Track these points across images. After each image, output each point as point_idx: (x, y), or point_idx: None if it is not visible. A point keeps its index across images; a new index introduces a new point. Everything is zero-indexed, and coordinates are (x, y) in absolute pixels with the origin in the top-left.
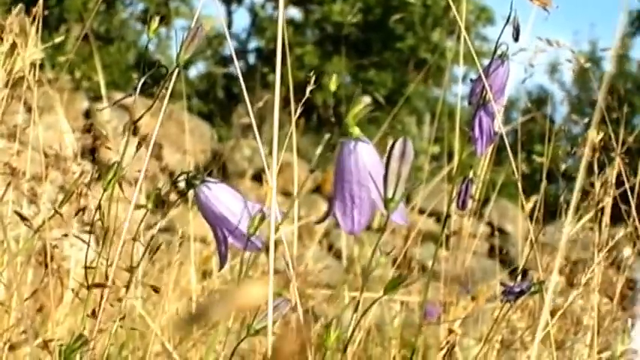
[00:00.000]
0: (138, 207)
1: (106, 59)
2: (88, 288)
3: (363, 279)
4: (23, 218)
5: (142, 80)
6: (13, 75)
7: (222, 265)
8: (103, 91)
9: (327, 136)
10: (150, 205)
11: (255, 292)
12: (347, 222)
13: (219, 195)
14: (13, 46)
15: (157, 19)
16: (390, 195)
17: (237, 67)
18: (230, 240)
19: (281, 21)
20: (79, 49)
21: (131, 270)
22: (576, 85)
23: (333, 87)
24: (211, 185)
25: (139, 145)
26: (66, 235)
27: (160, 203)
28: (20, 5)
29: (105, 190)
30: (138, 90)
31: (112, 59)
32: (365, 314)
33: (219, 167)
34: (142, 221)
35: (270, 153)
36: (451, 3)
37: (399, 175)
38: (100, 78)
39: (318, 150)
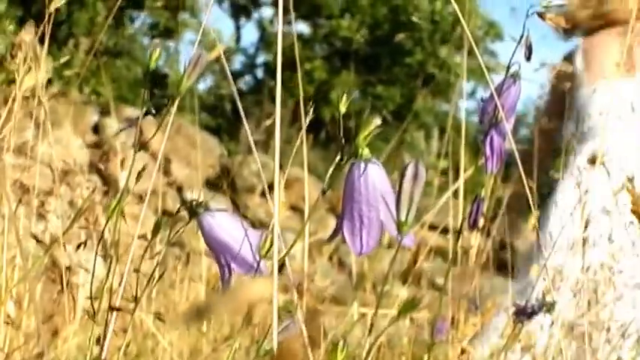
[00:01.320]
0: (140, 237)
1: (114, 73)
2: (95, 314)
3: (376, 297)
4: (38, 240)
5: (150, 97)
6: (22, 92)
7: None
8: (112, 105)
9: (338, 157)
10: (150, 235)
11: (260, 288)
12: (355, 242)
13: (223, 223)
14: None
15: (159, 50)
16: (402, 217)
17: (234, 92)
18: (234, 267)
19: (280, 34)
20: (87, 64)
21: (136, 300)
22: None
23: (342, 108)
24: (215, 213)
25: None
26: (79, 247)
27: (168, 218)
28: (30, 22)
29: (109, 219)
30: (146, 107)
31: (120, 74)
32: (378, 334)
33: (228, 182)
34: (146, 249)
35: (279, 167)
36: (462, 20)
37: (411, 197)
38: (109, 93)
39: (330, 170)
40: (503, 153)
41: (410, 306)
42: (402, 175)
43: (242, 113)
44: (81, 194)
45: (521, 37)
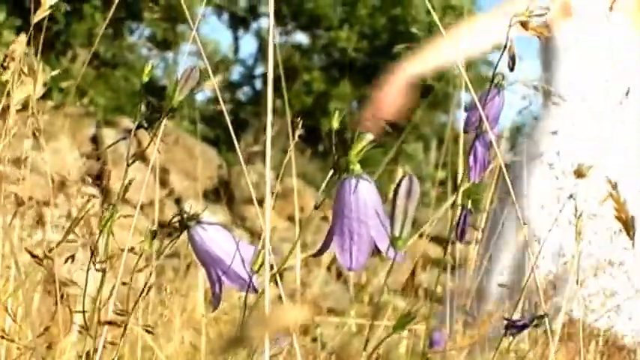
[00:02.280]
0: (131, 250)
1: (112, 84)
2: (88, 327)
3: (373, 310)
4: (32, 255)
5: (148, 109)
6: (15, 104)
7: (215, 307)
8: (110, 116)
9: (330, 173)
10: (147, 247)
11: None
12: (345, 258)
13: (214, 236)
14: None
15: (152, 64)
16: (396, 233)
17: (223, 107)
18: (225, 281)
19: (272, 44)
20: (85, 74)
21: (128, 312)
22: None
23: (335, 124)
24: (206, 227)
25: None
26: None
27: (164, 229)
28: (23, 33)
29: (101, 231)
30: (139, 120)
31: (118, 85)
32: (375, 345)
33: (226, 193)
34: (138, 260)
35: (277, 178)
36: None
37: (405, 212)
38: (107, 104)
39: (323, 184)
40: (487, 163)
41: (406, 320)
42: (396, 191)
43: (232, 130)
44: (77, 205)
45: (505, 47)
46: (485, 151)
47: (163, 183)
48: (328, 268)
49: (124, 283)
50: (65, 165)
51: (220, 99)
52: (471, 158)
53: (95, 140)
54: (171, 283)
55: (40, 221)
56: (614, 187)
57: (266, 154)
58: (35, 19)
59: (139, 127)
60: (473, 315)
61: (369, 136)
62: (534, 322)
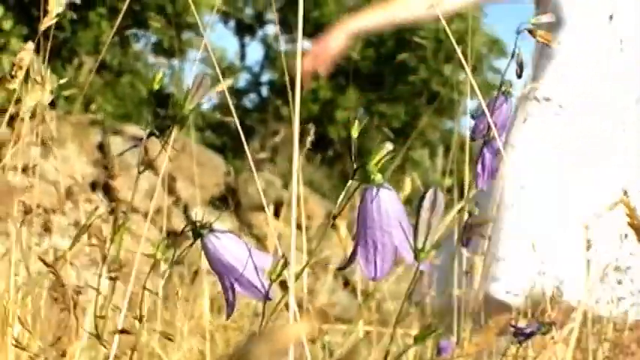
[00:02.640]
0: (149, 256)
1: (118, 92)
2: (99, 337)
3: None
4: (45, 263)
5: (155, 116)
6: (23, 112)
7: (229, 314)
8: (117, 124)
9: (349, 182)
10: (159, 255)
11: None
12: (370, 268)
13: (228, 244)
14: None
15: (162, 72)
16: (420, 245)
17: (235, 118)
18: (239, 289)
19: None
20: (91, 82)
21: (140, 318)
22: None
23: (354, 133)
24: (219, 235)
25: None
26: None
27: (172, 236)
28: (30, 41)
29: (112, 241)
30: (149, 129)
31: (125, 92)
32: (384, 354)
33: (233, 200)
34: (152, 268)
35: (285, 186)
36: (453, 40)
37: (429, 225)
38: (113, 111)
39: (341, 196)
40: (495, 170)
41: (425, 335)
42: (420, 204)
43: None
44: (85, 212)
45: (513, 54)
46: (493, 158)
47: (170, 190)
48: (335, 276)
49: (144, 289)
50: (73, 172)
51: (232, 107)
52: (479, 165)
53: (102, 148)
54: (178, 290)
55: (47, 228)
56: (626, 193)
57: (293, 158)
58: (42, 27)
59: (150, 135)
60: (480, 322)
61: (389, 146)
62: (542, 330)
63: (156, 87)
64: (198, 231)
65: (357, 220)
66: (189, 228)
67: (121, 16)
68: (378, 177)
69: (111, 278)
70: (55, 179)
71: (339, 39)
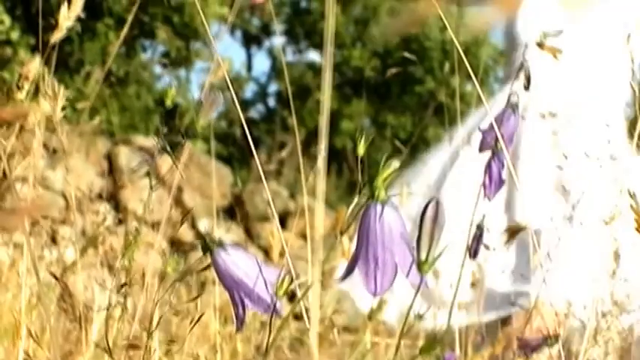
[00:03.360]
0: (162, 277)
1: (125, 102)
2: (110, 352)
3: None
4: (56, 278)
5: (162, 126)
6: (32, 124)
7: (239, 328)
8: (123, 134)
9: (356, 198)
10: (170, 270)
11: None
12: (370, 283)
13: (238, 260)
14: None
15: (172, 86)
16: (423, 258)
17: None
18: (249, 304)
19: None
20: (98, 92)
21: (148, 332)
22: None
23: (360, 151)
24: (230, 250)
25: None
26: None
27: (179, 246)
28: (37, 55)
29: (124, 255)
30: (160, 145)
31: (131, 102)
32: None
33: (240, 211)
34: (161, 280)
35: (292, 197)
36: (459, 50)
37: (432, 237)
38: (120, 121)
39: (350, 209)
40: (502, 181)
41: (431, 345)
42: (423, 216)
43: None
44: (93, 222)
45: (520, 67)
46: (501, 170)
47: (177, 201)
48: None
49: (156, 303)
50: (80, 183)
51: (242, 119)
52: (486, 177)
53: (109, 158)
54: (185, 300)
55: (55, 239)
56: (633, 197)
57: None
58: (52, 40)
59: (162, 150)
60: (483, 334)
61: (396, 163)
62: (549, 342)
63: (169, 104)
64: (209, 246)
65: (358, 234)
66: (199, 242)
67: (127, 26)
68: (383, 194)
69: (122, 294)
70: (62, 189)
71: None
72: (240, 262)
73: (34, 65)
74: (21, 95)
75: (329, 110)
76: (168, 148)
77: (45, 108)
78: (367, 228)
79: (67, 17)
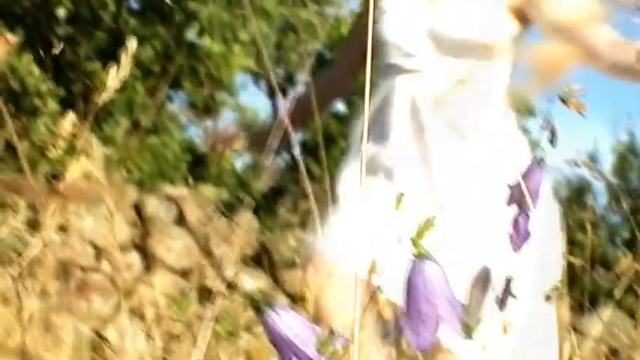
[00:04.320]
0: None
1: (152, 151)
2: None
3: None
4: (101, 337)
5: (188, 173)
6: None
7: None
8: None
9: None
10: (222, 331)
11: None
12: (414, 337)
13: (286, 320)
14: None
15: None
16: (469, 322)
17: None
18: None
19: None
20: (126, 142)
21: None
22: (616, 174)
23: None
24: (279, 311)
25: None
26: None
27: (208, 294)
28: (71, 114)
29: (178, 320)
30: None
31: (159, 151)
32: None
33: (266, 258)
34: (188, 327)
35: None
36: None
37: (479, 302)
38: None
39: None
40: (528, 235)
41: None
42: (474, 281)
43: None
44: (122, 271)
45: (546, 122)
46: (527, 224)
47: (203, 249)
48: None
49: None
50: (109, 232)
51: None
52: (513, 230)
53: (137, 207)
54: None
55: (85, 288)
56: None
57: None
58: (99, 101)
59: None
60: None
61: (434, 221)
62: None
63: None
64: (259, 306)
65: (404, 288)
66: (250, 303)
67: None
68: (423, 250)
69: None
70: (91, 238)
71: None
72: (289, 323)
73: (68, 122)
74: (55, 154)
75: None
76: (227, 214)
77: (84, 167)
78: (410, 284)
79: (115, 79)
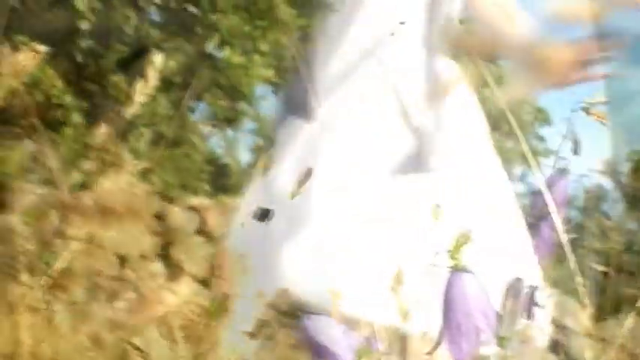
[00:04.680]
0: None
1: (174, 162)
2: None
3: None
4: (136, 348)
5: (210, 185)
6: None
7: None
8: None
9: None
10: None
11: None
12: (455, 350)
13: (322, 326)
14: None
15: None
16: (503, 334)
17: None
18: None
19: None
20: (150, 153)
21: None
22: (632, 182)
23: None
24: (314, 317)
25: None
26: None
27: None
28: (104, 126)
29: (212, 327)
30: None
31: (181, 162)
32: None
33: None
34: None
35: None
36: (507, 111)
37: (513, 314)
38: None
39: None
40: (553, 245)
41: None
42: (506, 293)
43: None
44: (146, 280)
45: (570, 132)
46: (552, 234)
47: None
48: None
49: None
50: (131, 242)
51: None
52: (539, 240)
53: (159, 217)
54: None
55: (110, 297)
56: None
57: None
58: (127, 115)
59: (213, 195)
60: None
61: (469, 233)
62: None
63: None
64: (296, 313)
65: (443, 302)
66: (286, 310)
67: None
68: (460, 263)
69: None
70: (115, 249)
71: None
72: (325, 329)
73: (100, 134)
74: (89, 165)
75: None
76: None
77: (119, 181)
78: (449, 297)
79: (142, 93)
